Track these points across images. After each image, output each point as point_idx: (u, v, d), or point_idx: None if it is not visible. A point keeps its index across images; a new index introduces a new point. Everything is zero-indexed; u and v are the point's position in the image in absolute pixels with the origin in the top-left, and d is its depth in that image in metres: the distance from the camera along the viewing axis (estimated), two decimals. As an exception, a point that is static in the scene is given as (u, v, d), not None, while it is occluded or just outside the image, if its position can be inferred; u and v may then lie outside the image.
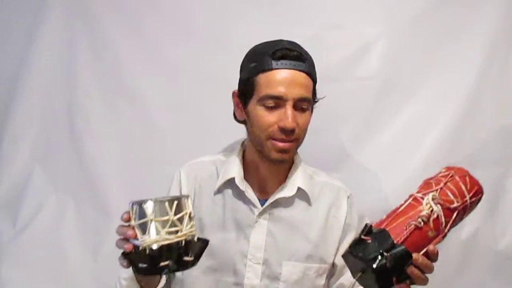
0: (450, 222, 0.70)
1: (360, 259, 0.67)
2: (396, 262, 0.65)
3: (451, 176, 0.74)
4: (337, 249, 0.96)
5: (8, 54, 1.40)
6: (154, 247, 0.65)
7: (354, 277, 0.72)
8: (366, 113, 1.24)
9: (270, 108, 0.86)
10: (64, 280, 1.26)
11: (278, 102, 0.85)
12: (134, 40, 1.32)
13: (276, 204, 0.95)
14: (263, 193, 0.96)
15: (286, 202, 0.95)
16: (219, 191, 0.96)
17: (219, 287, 0.94)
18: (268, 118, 0.86)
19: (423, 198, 0.70)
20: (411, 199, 0.72)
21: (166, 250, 0.66)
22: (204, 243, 0.71)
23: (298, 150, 0.97)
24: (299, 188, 0.95)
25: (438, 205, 0.69)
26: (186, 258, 0.67)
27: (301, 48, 0.91)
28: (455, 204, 0.70)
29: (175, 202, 0.68)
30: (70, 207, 1.32)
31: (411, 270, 0.67)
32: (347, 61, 1.25)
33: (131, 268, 0.80)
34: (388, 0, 1.26)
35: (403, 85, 1.24)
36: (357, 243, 0.69)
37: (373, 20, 1.25)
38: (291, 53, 0.86)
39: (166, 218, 0.66)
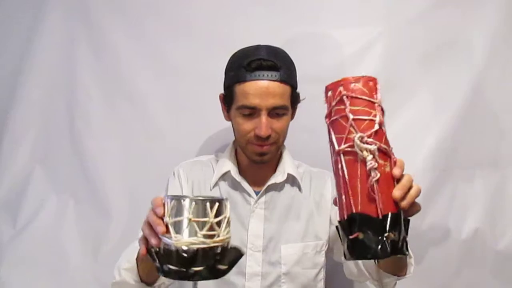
0: (386, 138, 0.63)
1: (372, 257, 0.61)
2: (398, 228, 0.60)
3: (344, 98, 0.62)
4: (330, 223, 1.01)
5: (8, 54, 1.40)
6: (189, 249, 0.59)
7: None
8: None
9: (247, 116, 0.92)
10: (64, 280, 1.26)
11: (253, 111, 0.91)
12: (134, 40, 1.32)
13: (270, 190, 1.01)
14: (256, 185, 1.02)
15: (278, 189, 1.02)
16: (216, 185, 1.02)
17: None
18: (245, 125, 0.93)
19: (352, 147, 0.61)
20: (342, 156, 0.62)
21: (201, 255, 0.59)
22: (238, 252, 0.65)
23: (295, 148, 1.03)
24: (288, 174, 1.01)
25: (371, 140, 0.60)
26: (220, 266, 0.61)
27: (279, 55, 0.93)
28: (377, 119, 0.61)
29: (217, 204, 0.61)
30: (70, 207, 1.32)
31: (407, 213, 0.63)
32: (347, 61, 1.25)
33: (134, 259, 0.81)
34: (388, 0, 1.26)
35: (402, 85, 1.24)
36: (353, 245, 0.61)
37: (373, 20, 1.26)
38: (265, 63, 0.89)
39: (205, 219, 0.60)
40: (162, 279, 0.85)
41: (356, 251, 0.61)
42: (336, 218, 0.97)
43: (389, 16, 1.25)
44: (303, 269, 0.98)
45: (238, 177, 1.00)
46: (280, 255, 0.97)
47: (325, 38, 1.26)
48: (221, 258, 0.61)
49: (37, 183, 1.34)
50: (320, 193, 1.03)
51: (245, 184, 1.00)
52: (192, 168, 1.04)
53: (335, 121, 0.64)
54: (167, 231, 0.61)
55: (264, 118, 0.90)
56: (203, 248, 0.59)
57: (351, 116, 0.61)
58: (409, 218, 0.64)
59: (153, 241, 0.62)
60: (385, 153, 0.62)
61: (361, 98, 0.62)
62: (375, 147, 0.60)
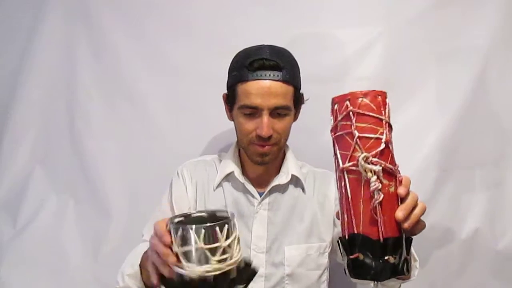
0: (393, 157, 0.62)
1: (372, 279, 0.60)
2: (399, 251, 0.59)
3: (351, 113, 0.61)
4: (333, 225, 1.01)
5: (8, 54, 1.40)
6: (206, 277, 0.57)
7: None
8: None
9: (249, 116, 0.92)
10: (64, 280, 1.26)
11: (255, 111, 0.91)
12: (134, 40, 1.32)
13: (273, 191, 1.00)
14: (260, 186, 1.01)
15: (282, 190, 1.01)
16: (219, 186, 1.01)
17: None
18: (247, 125, 0.92)
19: (356, 166, 0.59)
20: (346, 174, 0.61)
21: (218, 281, 0.58)
22: (252, 270, 0.63)
23: (297, 148, 1.03)
24: (292, 176, 1.01)
25: (376, 160, 0.59)
26: (237, 287, 0.60)
27: (281, 54, 0.93)
28: (384, 137, 0.60)
29: (226, 226, 0.59)
30: (70, 207, 1.32)
31: (410, 231, 0.62)
32: (347, 61, 1.25)
33: (138, 265, 0.81)
34: (388, 0, 1.26)
35: (403, 85, 1.24)
36: (353, 265, 0.61)
37: (373, 20, 1.26)
38: (267, 63, 0.89)
39: (217, 245, 0.58)
40: None
41: (356, 271, 0.60)
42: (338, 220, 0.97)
43: (389, 16, 1.25)
44: (307, 270, 0.98)
45: (241, 178, 1.00)
46: (283, 256, 0.97)
47: (325, 38, 1.26)
48: (237, 279, 0.60)
49: (37, 183, 1.34)
50: (323, 194, 1.03)
51: (248, 186, 1.00)
52: (196, 167, 1.04)
53: (341, 137, 0.62)
54: (178, 260, 0.58)
55: (265, 118, 0.89)
56: (219, 274, 0.58)
57: (356, 134, 0.60)
58: (412, 238, 0.63)
59: (165, 272, 0.60)
60: (390, 173, 0.60)
61: (368, 115, 0.60)
62: (380, 168, 0.59)
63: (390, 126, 0.62)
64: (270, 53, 0.91)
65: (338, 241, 0.64)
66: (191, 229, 0.58)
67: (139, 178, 1.30)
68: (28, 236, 1.30)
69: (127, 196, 1.29)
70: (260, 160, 0.95)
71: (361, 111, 0.60)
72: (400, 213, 0.60)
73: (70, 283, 1.26)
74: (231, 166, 1.01)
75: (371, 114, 0.60)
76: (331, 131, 0.64)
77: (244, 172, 1.02)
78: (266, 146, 0.93)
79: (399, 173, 0.62)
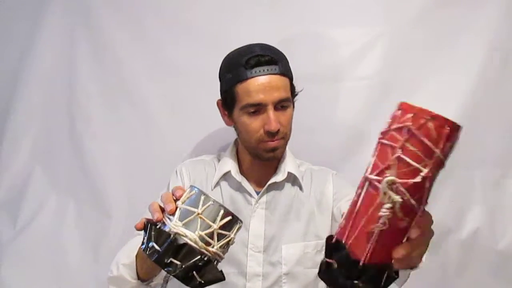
0: (425, 195, 0.54)
1: None
2: (374, 283, 0.54)
3: (405, 129, 0.53)
4: (332, 221, 1.01)
5: (8, 54, 1.40)
6: (178, 238, 0.58)
7: None
8: (366, 113, 1.24)
9: (253, 114, 0.92)
10: (64, 280, 1.26)
11: (259, 108, 0.91)
12: (134, 40, 1.32)
13: (271, 190, 1.00)
14: (258, 185, 1.02)
15: (279, 188, 1.01)
16: (217, 185, 1.02)
17: None
18: (254, 124, 0.92)
19: (380, 182, 0.53)
20: (367, 185, 0.55)
21: (186, 251, 0.58)
22: (219, 275, 0.62)
23: (296, 148, 1.03)
24: (289, 173, 1.01)
25: (401, 190, 0.51)
26: (195, 275, 0.59)
27: (273, 49, 0.94)
28: (423, 173, 0.52)
29: (229, 217, 0.61)
30: (70, 207, 1.32)
31: (399, 266, 0.55)
32: (347, 61, 1.25)
33: (134, 256, 0.81)
34: (388, 0, 1.26)
35: (403, 85, 1.24)
36: (325, 267, 0.58)
37: (373, 20, 1.26)
38: (263, 59, 0.90)
39: (210, 223, 0.59)
40: (158, 279, 0.84)
41: (325, 275, 0.58)
42: (338, 214, 0.97)
43: (389, 16, 1.25)
44: (304, 268, 0.98)
45: (238, 177, 1.00)
46: (281, 255, 0.97)
47: (326, 38, 1.26)
48: (201, 269, 0.59)
49: (37, 183, 1.34)
50: (321, 191, 1.02)
51: (245, 184, 1.00)
52: (195, 167, 1.04)
53: (384, 145, 0.55)
54: (173, 214, 0.61)
55: (271, 112, 0.90)
56: (191, 246, 0.58)
57: (398, 153, 0.52)
58: (396, 276, 0.57)
59: (156, 215, 0.62)
60: (410, 210, 0.53)
61: (421, 140, 0.52)
62: (400, 200, 0.52)
63: (440, 163, 0.55)
64: (262, 49, 0.92)
65: (326, 238, 0.62)
66: (203, 195, 0.61)
67: (139, 178, 1.30)
68: (28, 236, 1.30)
69: (127, 196, 1.29)
70: (272, 155, 0.95)
71: (416, 133, 0.52)
72: (401, 250, 0.53)
73: (70, 283, 1.26)
74: (228, 165, 1.01)
75: (425, 141, 0.52)
76: (381, 133, 0.58)
77: (241, 171, 1.02)
78: (276, 140, 0.93)
79: (421, 212, 0.54)
